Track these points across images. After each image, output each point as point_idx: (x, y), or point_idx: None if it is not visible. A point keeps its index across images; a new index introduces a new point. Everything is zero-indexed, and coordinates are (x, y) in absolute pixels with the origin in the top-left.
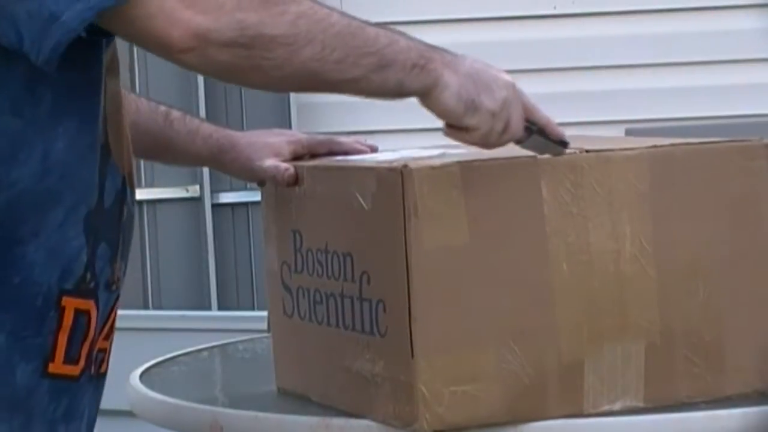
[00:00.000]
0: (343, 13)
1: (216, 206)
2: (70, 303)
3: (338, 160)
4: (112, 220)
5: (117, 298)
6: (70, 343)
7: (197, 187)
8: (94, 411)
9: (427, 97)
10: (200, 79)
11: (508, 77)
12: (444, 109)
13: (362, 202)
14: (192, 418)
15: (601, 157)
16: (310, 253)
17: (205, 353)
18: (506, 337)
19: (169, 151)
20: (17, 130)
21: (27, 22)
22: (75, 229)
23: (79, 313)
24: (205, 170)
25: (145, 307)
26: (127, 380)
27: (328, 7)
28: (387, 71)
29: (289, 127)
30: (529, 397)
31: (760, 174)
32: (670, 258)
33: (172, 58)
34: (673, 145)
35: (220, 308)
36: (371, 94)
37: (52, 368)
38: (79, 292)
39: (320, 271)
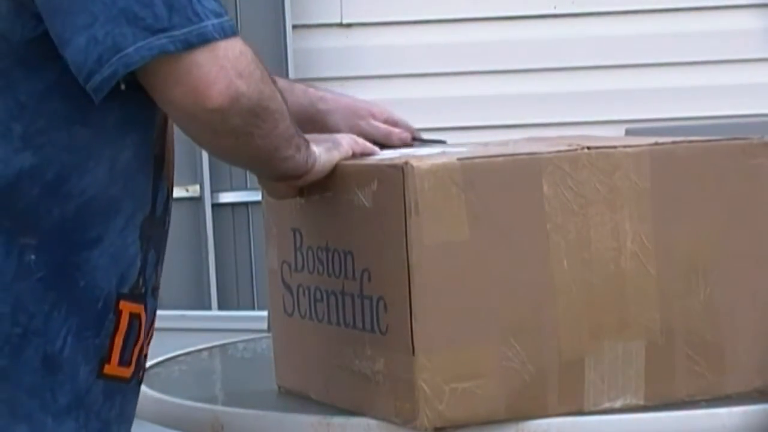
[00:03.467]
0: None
1: (216, 206)
2: (126, 307)
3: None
4: (160, 229)
5: (157, 305)
6: (124, 345)
7: (197, 186)
8: (133, 417)
9: (313, 170)
10: None
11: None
12: (324, 169)
13: (363, 199)
14: (192, 417)
15: (603, 154)
16: (310, 252)
17: (205, 353)
18: (507, 334)
19: None
20: (87, 140)
21: (84, 47)
22: (132, 236)
23: (132, 316)
24: (205, 170)
25: None
26: None
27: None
28: (300, 152)
29: None
30: (530, 395)
31: (761, 173)
32: (671, 256)
33: (197, 110)
34: (674, 142)
35: (220, 308)
36: (285, 174)
37: (108, 369)
38: (133, 296)
39: (321, 269)
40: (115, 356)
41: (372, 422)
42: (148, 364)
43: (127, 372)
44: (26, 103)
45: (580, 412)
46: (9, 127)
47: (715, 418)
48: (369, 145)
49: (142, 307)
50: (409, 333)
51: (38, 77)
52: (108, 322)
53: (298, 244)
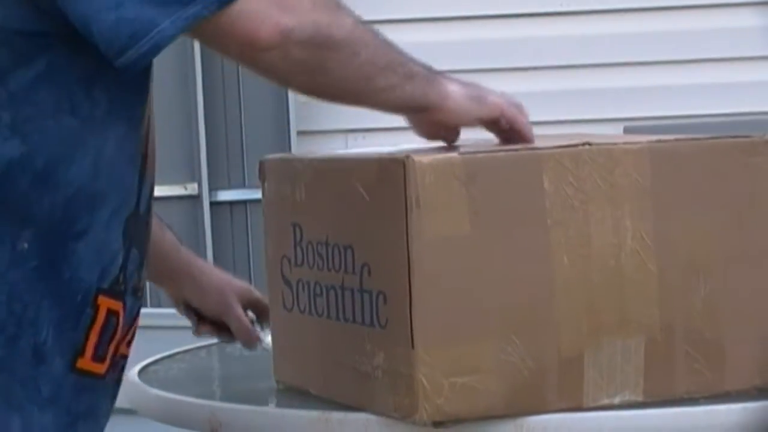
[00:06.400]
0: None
1: (214, 204)
2: (104, 302)
3: (338, 152)
4: (143, 227)
5: (140, 307)
6: (100, 341)
7: (195, 185)
8: (108, 416)
9: (442, 106)
10: (198, 80)
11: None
12: (460, 111)
13: (363, 193)
14: (191, 413)
15: (604, 151)
16: (310, 246)
17: (204, 351)
18: (506, 329)
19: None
20: (75, 130)
21: (115, 23)
22: (116, 231)
23: (110, 313)
24: (203, 168)
25: (143, 304)
26: (125, 377)
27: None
28: (414, 82)
29: (287, 126)
30: (529, 390)
31: (762, 170)
32: (671, 253)
33: (254, 56)
34: (675, 140)
35: None
36: (397, 106)
37: (81, 363)
38: (112, 292)
39: (320, 264)
40: (89, 351)
41: (371, 417)
42: (147, 361)
43: (101, 368)
44: (15, 92)
45: (579, 408)
46: None
47: (714, 415)
48: (521, 119)
49: (121, 304)
50: (409, 327)
51: (28, 66)
52: (85, 315)
53: (297, 239)
